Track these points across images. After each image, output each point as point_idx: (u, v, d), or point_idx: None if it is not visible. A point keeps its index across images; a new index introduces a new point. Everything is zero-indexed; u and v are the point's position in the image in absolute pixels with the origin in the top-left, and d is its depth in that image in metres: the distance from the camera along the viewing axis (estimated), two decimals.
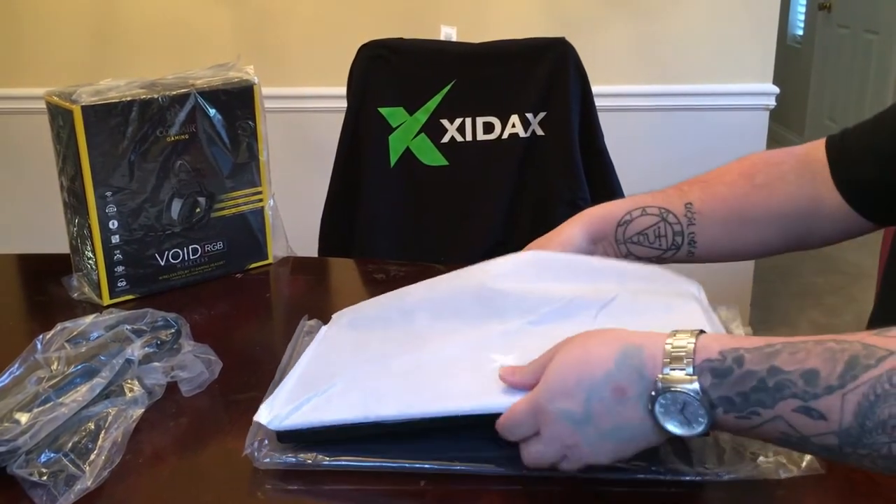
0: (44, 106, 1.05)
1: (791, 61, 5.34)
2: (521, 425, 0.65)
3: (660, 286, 0.80)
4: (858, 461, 0.55)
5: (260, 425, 0.72)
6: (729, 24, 2.33)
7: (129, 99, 1.01)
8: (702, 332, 0.61)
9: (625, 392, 0.61)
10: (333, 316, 0.91)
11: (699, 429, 0.59)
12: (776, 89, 2.40)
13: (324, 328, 0.90)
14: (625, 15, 2.33)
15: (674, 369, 0.59)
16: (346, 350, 0.83)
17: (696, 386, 0.58)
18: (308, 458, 0.70)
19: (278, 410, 0.72)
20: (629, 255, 0.88)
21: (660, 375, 0.59)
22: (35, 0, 2.40)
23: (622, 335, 0.63)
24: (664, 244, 0.87)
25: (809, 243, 0.89)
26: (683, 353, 0.59)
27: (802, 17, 5.55)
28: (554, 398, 0.63)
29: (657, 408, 0.59)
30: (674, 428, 0.60)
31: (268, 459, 0.70)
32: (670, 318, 0.69)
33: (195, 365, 0.84)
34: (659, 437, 0.62)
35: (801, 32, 5.55)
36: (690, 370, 0.58)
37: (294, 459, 0.70)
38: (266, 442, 0.72)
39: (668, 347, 0.60)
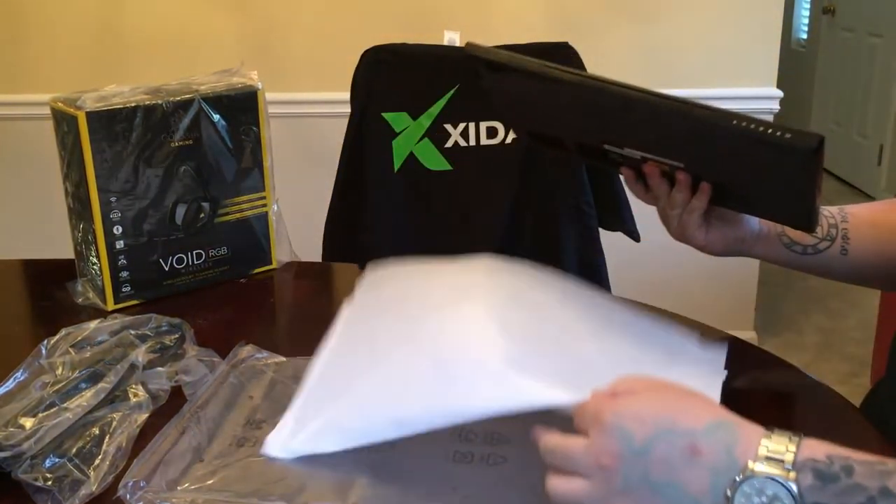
0: (48, 112, 1.05)
1: (795, 65, 5.33)
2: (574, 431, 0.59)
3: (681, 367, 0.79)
4: None
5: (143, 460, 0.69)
6: (733, 27, 2.33)
7: (133, 105, 1.02)
8: (803, 436, 0.55)
9: (700, 454, 0.55)
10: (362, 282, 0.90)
11: None
12: (780, 93, 2.40)
13: (346, 310, 0.88)
14: (628, 19, 2.33)
15: (769, 459, 0.53)
16: (355, 353, 0.81)
17: (792, 484, 0.52)
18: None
19: (286, 439, 0.72)
20: (783, 235, 0.88)
21: (751, 462, 0.53)
22: (39, 6, 2.40)
23: (722, 410, 0.58)
24: (820, 233, 0.87)
25: None
26: (784, 449, 0.54)
27: (806, 21, 5.55)
28: (622, 411, 0.57)
29: (738, 496, 0.53)
30: None
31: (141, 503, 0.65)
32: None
33: (199, 369, 0.84)
34: None
35: (804, 36, 5.55)
36: (789, 465, 0.53)
37: None
38: (143, 484, 0.66)
39: (768, 443, 0.54)
